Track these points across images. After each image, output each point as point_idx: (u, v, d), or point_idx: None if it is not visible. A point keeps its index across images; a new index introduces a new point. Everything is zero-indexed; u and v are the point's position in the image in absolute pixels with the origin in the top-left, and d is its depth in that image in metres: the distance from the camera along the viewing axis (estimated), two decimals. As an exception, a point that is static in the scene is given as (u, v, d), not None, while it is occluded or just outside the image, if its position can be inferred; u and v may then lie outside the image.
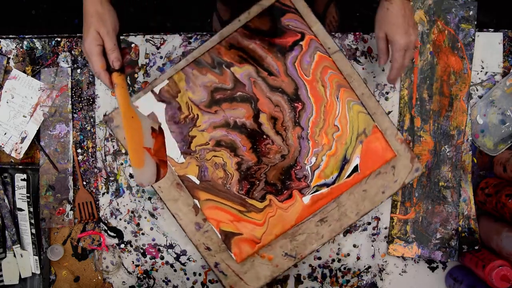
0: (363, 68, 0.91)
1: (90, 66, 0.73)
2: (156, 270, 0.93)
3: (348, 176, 0.86)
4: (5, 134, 0.90)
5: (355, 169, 0.86)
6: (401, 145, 0.87)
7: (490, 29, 0.92)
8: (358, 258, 0.92)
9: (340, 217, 0.87)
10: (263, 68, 0.86)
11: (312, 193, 0.86)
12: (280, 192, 0.86)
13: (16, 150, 0.91)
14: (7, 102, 0.91)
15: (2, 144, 0.90)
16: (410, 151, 0.87)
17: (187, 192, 0.87)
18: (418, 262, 0.93)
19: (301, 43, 0.86)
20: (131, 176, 0.92)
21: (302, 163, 0.86)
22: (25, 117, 0.91)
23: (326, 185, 0.86)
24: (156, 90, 0.87)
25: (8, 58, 0.92)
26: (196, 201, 0.87)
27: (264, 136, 0.86)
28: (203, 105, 0.87)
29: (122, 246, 0.92)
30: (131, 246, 0.92)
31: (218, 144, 0.87)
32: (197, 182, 0.87)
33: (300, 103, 0.86)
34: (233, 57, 0.86)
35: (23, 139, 0.91)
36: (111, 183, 0.92)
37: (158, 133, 0.75)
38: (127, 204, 0.92)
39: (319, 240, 0.87)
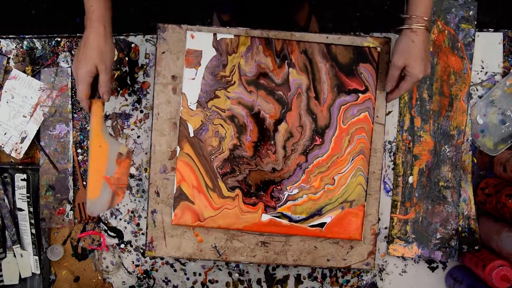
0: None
1: (76, 86, 0.76)
2: (156, 270, 0.93)
3: (312, 226, 0.87)
4: (5, 134, 0.90)
5: (321, 225, 0.87)
6: (371, 236, 0.88)
7: (490, 29, 0.92)
8: (358, 258, 0.92)
9: (280, 253, 0.88)
10: (315, 89, 0.87)
11: (273, 216, 0.87)
12: (249, 195, 0.87)
13: (16, 150, 0.91)
14: (7, 102, 0.91)
15: (2, 144, 0.90)
16: (373, 246, 0.88)
17: (176, 135, 0.87)
18: (418, 262, 0.93)
19: (359, 94, 0.87)
20: (131, 176, 0.92)
21: (284, 187, 0.87)
22: (25, 117, 0.91)
23: (289, 219, 0.87)
24: (219, 36, 0.87)
25: (8, 58, 0.92)
26: (178, 148, 0.87)
27: (272, 142, 0.87)
28: (245, 79, 0.87)
29: (122, 246, 0.92)
30: (131, 246, 0.92)
31: (231, 118, 0.87)
32: (191, 134, 0.87)
33: (320, 140, 0.87)
34: (299, 61, 0.87)
35: (23, 139, 0.91)
36: (111, 183, 0.92)
37: (124, 158, 0.77)
38: (127, 204, 0.92)
39: (249, 258, 0.88)
